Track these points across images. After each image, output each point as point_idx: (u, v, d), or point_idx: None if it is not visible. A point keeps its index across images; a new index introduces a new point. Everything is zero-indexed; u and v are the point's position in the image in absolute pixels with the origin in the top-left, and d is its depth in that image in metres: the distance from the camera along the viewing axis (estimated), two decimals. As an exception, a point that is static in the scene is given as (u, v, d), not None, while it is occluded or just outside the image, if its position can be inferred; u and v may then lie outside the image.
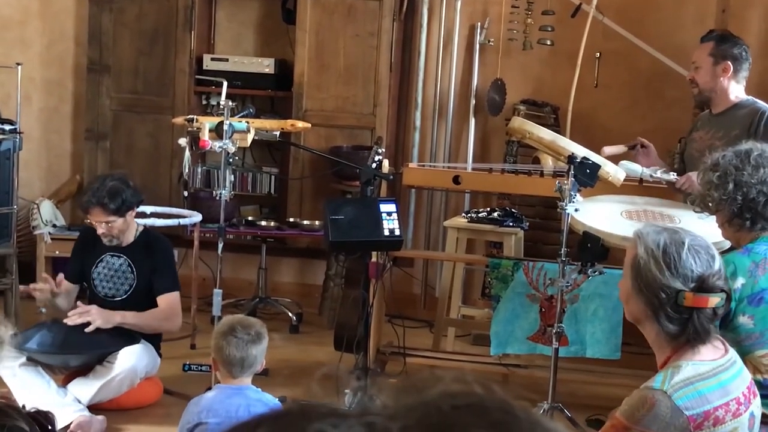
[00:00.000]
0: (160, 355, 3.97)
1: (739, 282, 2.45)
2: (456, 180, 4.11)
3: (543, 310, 3.87)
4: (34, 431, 1.24)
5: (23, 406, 1.84)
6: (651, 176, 3.61)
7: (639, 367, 3.40)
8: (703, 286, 1.85)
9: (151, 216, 4.57)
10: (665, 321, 1.86)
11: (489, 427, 0.54)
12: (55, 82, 5.69)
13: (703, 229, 2.80)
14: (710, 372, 1.86)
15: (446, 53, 5.38)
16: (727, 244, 2.80)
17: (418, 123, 5.44)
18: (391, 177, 3.97)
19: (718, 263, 1.88)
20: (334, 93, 5.33)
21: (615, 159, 3.59)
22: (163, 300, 3.83)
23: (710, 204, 2.57)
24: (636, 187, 3.81)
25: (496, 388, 0.59)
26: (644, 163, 3.69)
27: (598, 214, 3.42)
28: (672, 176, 3.60)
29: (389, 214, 3.60)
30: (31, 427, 1.23)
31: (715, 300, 1.85)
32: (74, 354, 3.70)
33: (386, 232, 3.57)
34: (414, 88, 5.44)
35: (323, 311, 5.22)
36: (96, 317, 3.65)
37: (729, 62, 3.62)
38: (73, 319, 3.63)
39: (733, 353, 1.94)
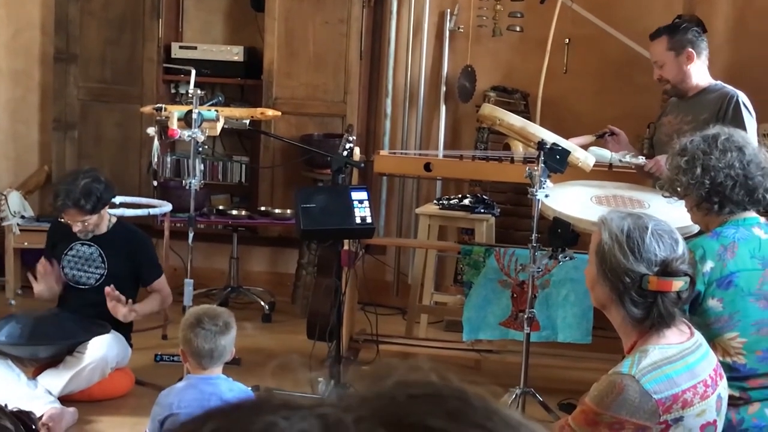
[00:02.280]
0: (130, 346, 3.95)
1: (708, 265, 2.46)
2: (427, 167, 4.11)
3: (515, 295, 3.89)
4: (19, 431, 1.22)
5: (5, 405, 1.81)
6: (620, 161, 3.63)
7: (610, 351, 3.42)
8: (666, 270, 1.86)
9: (121, 206, 4.53)
10: (630, 305, 1.87)
11: (445, 415, 0.53)
12: (22, 72, 5.61)
13: (672, 213, 2.82)
14: (677, 355, 1.87)
15: (416, 40, 5.37)
16: (696, 228, 2.82)
17: (389, 110, 5.43)
18: (363, 165, 3.96)
19: (681, 247, 1.89)
20: (305, 81, 5.30)
21: (584, 147, 3.61)
22: (155, 286, 3.98)
23: (678, 188, 2.58)
24: (606, 172, 3.82)
25: (453, 376, 0.58)
26: (616, 150, 3.71)
27: (569, 200, 3.44)
28: (640, 160, 3.62)
29: (361, 201, 3.59)
30: (16, 426, 1.21)
31: (678, 284, 1.86)
32: (43, 345, 3.66)
33: (358, 220, 3.57)
34: (384, 75, 5.42)
35: (296, 300, 5.20)
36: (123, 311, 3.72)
37: (690, 48, 3.65)
38: (121, 313, 3.70)
39: (698, 336, 1.96)
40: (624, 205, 3.39)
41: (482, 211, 4.48)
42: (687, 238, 2.49)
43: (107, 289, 3.65)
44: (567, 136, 3.58)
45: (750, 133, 3.31)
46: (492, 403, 0.56)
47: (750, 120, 3.52)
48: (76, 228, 3.77)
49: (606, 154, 3.61)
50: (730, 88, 3.66)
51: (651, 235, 1.86)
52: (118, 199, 4.57)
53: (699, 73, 3.68)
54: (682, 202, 2.65)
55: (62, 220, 3.82)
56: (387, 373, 0.57)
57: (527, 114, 4.96)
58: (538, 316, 3.67)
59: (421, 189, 5.45)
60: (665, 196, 2.70)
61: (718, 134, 2.57)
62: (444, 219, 4.57)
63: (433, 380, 0.57)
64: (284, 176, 5.34)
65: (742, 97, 3.58)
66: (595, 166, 3.58)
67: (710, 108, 3.60)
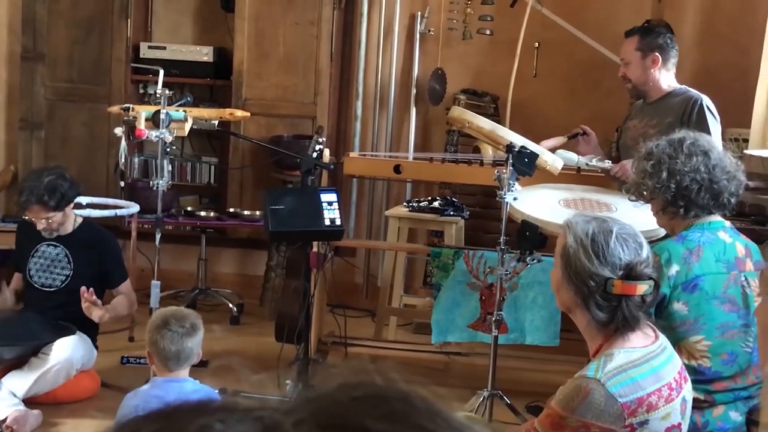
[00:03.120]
0: (96, 348, 3.91)
1: (674, 269, 2.48)
2: (397, 169, 4.11)
3: (483, 298, 3.89)
4: None
5: None
6: (587, 164, 3.64)
7: (577, 354, 3.43)
8: (631, 273, 1.86)
9: (87, 207, 4.48)
10: (595, 309, 1.88)
11: (386, 417, 0.52)
12: (-12, 71, 5.54)
13: (639, 217, 2.84)
14: (642, 358, 1.88)
15: (387, 43, 5.37)
16: (663, 231, 2.84)
17: (359, 112, 5.42)
18: (332, 166, 3.95)
19: (645, 251, 1.90)
20: (274, 82, 5.28)
21: (555, 149, 3.62)
22: (121, 290, 3.93)
23: (645, 192, 2.60)
24: (574, 175, 3.84)
25: (397, 377, 0.57)
26: (585, 151, 3.72)
27: (537, 203, 3.45)
28: (607, 164, 3.63)
29: (330, 203, 3.59)
30: None
31: (643, 287, 1.87)
32: (8, 346, 3.61)
33: (327, 222, 3.56)
34: (355, 77, 5.42)
35: (264, 302, 5.19)
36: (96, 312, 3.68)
37: (657, 53, 3.67)
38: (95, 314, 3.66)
39: (663, 339, 1.97)
40: (591, 208, 3.41)
41: (452, 213, 4.48)
42: (653, 242, 2.52)
43: (82, 289, 3.61)
44: (536, 139, 3.59)
45: (714, 137, 3.34)
46: (436, 405, 0.56)
47: (714, 123, 3.55)
48: (41, 226, 3.73)
49: (573, 157, 3.63)
50: (694, 92, 3.69)
51: (615, 239, 1.87)
52: (84, 200, 4.52)
53: (663, 78, 3.70)
54: (649, 206, 2.66)
55: (26, 218, 3.78)
56: (332, 376, 0.56)
57: (497, 117, 4.98)
58: (506, 318, 3.68)
59: (391, 191, 5.45)
60: (632, 200, 2.71)
61: (683, 138, 2.59)
62: (414, 221, 4.58)
63: (376, 382, 0.57)
64: (253, 177, 5.32)
65: (707, 101, 3.61)
66: (563, 169, 3.60)
67: (675, 112, 3.63)
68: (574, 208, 3.43)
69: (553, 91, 5.20)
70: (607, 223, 1.90)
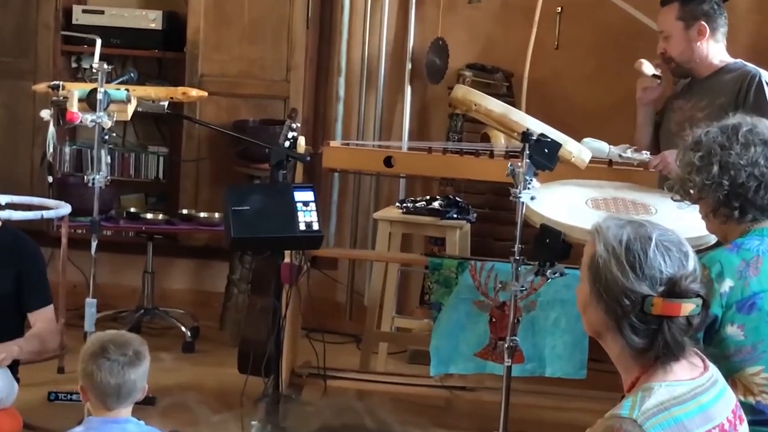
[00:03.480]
0: (17, 381, 3.88)
1: (727, 285, 2.48)
2: (388, 162, 4.11)
3: (493, 320, 3.90)
4: None
5: None
6: (620, 156, 3.65)
7: (608, 389, 3.44)
8: (674, 289, 1.86)
9: (7, 207, 4.46)
10: (630, 333, 1.88)
11: None
12: None
13: (683, 220, 2.84)
14: (688, 394, 1.88)
15: (376, 7, 5.37)
16: (712, 239, 2.85)
17: (341, 92, 5.42)
18: (309, 158, 3.95)
19: (692, 262, 1.90)
20: (238, 54, 5.28)
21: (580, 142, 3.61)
22: (38, 317, 3.71)
23: (691, 190, 2.60)
24: (605, 169, 3.84)
25: (389, 418, 0.57)
26: (653, 99, 3.76)
27: (559, 204, 3.45)
28: (645, 156, 3.64)
29: (306, 204, 3.59)
30: None
31: (688, 306, 1.87)
32: None
33: (302, 227, 3.57)
34: (336, 49, 5.42)
35: (225, 325, 5.18)
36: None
37: (702, 22, 3.68)
38: None
39: (714, 371, 1.97)
40: (626, 210, 3.41)
41: (455, 216, 4.48)
42: (701, 251, 2.52)
43: None
44: (558, 125, 3.60)
45: (776, 121, 3.35)
46: None
47: (776, 105, 3.56)
48: None
49: (603, 147, 3.64)
50: (751, 66, 3.70)
51: (655, 248, 1.87)
52: (3, 199, 4.50)
53: (712, 51, 3.71)
54: (696, 207, 2.67)
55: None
56: (309, 415, 0.56)
57: (510, 98, 4.98)
58: (522, 345, 3.68)
59: (381, 189, 5.45)
60: (675, 200, 2.72)
61: (739, 125, 2.59)
62: (408, 226, 4.58)
63: (363, 424, 0.57)
64: (212, 172, 5.31)
65: (766, 77, 3.62)
66: (591, 162, 3.61)
67: (728, 91, 3.64)
68: (604, 209, 3.43)
69: (578, 66, 5.21)
70: (646, 228, 1.90)
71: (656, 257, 1.87)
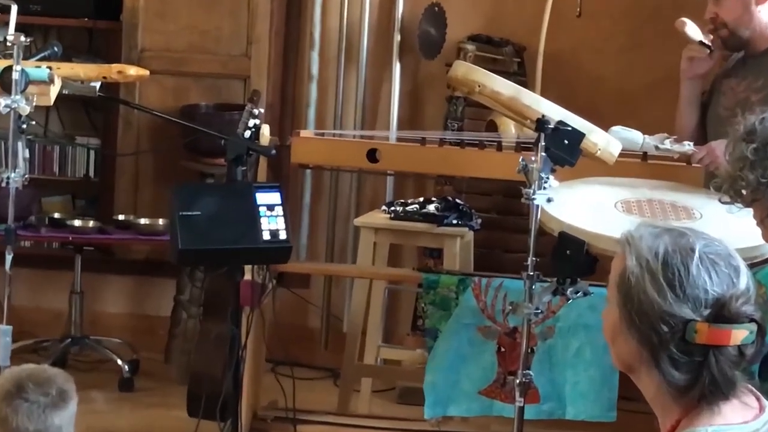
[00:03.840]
0: None
1: (787, 306, 2.49)
2: (372, 156, 4.11)
3: (502, 350, 3.90)
4: None
5: None
6: (657, 148, 3.64)
7: (643, 434, 3.45)
8: (722, 313, 1.87)
9: None
10: (669, 367, 1.88)
11: None
12: None
13: (733, 227, 2.85)
14: (740, 440, 1.88)
15: (357, -35, 5.39)
16: (769, 249, 2.86)
17: (314, 70, 5.42)
18: (274, 151, 3.95)
19: (744, 280, 1.90)
20: (187, 24, 5.27)
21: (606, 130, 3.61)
22: None
23: (744, 190, 2.61)
24: (638, 164, 3.85)
25: None
26: (703, 71, 3.75)
27: (582, 207, 3.46)
28: (687, 147, 3.64)
29: (271, 207, 3.59)
30: None
31: (740, 334, 1.87)
32: None
33: (266, 236, 3.57)
34: (308, 18, 5.42)
35: (171, 357, 5.17)
36: None
37: None
38: None
39: (771, 412, 1.98)
40: (663, 214, 3.42)
41: (455, 222, 4.48)
42: (755, 266, 2.53)
43: None
44: (581, 110, 3.60)
45: None
46: None
47: None
48: None
49: (636, 137, 3.63)
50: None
51: (699, 261, 1.87)
52: None
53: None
54: (749, 211, 2.68)
55: None
56: None
57: (522, 77, 4.98)
58: (537, 380, 3.68)
59: (364, 189, 5.45)
60: (724, 202, 2.72)
61: (802, 110, 2.60)
62: (397, 234, 4.57)
63: None
64: (155, 168, 5.31)
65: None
66: (621, 155, 3.61)
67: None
68: (637, 214, 3.44)
69: (606, 38, 5.21)
70: (687, 238, 1.90)
71: (700, 273, 1.87)
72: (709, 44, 3.83)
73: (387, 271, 4.67)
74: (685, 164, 3.77)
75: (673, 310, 1.87)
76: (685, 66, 3.84)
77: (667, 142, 3.63)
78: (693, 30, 3.81)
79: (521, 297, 3.42)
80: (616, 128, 3.64)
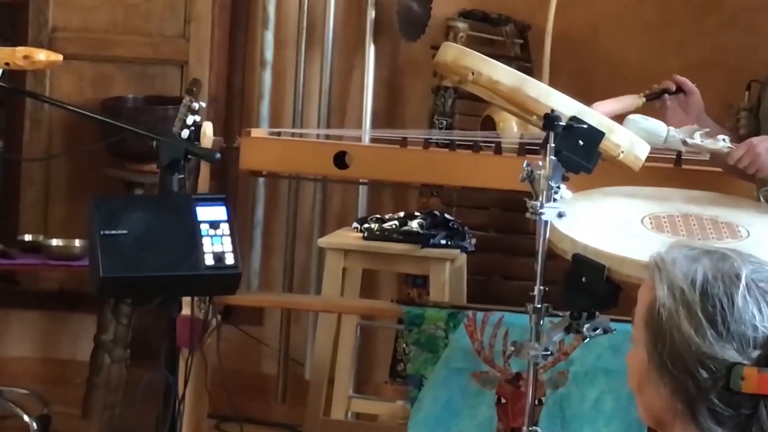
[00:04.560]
0: None
1: None
2: (341, 160, 4.11)
3: (503, 401, 3.90)
4: None
5: None
6: (684, 142, 3.62)
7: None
8: (775, 355, 1.88)
9: None
10: (710, 422, 1.88)
11: None
12: None
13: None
14: None
15: (321, -76, 5.40)
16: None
17: (268, 55, 5.42)
18: (219, 156, 3.94)
19: (801, 314, 1.92)
20: (109, -2, 5.29)
21: (620, 119, 3.61)
22: None
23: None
24: (670, 170, 3.86)
25: None
26: (678, 123, 3.73)
27: (602, 224, 3.46)
28: (722, 144, 3.63)
29: (215, 225, 3.60)
30: None
31: (797, 381, 1.88)
32: None
33: (209, 260, 3.57)
34: (261, -12, 5.44)
35: (91, 411, 5.15)
36: None
37: None
38: None
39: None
40: (702, 233, 3.42)
41: (443, 242, 4.49)
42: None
43: None
44: (595, 101, 3.61)
45: None
46: None
47: None
48: None
49: (659, 128, 3.58)
50: None
51: (746, 291, 1.87)
52: None
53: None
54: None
55: None
56: None
57: (526, 63, 5.00)
58: (547, 438, 3.70)
59: (330, 201, 5.46)
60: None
61: None
62: (372, 257, 4.57)
63: None
64: (70, 177, 5.30)
65: None
66: (649, 158, 3.60)
67: None
68: (670, 232, 3.44)
69: (629, 13, 5.24)
70: (731, 262, 1.90)
71: (748, 306, 1.88)
72: (654, 94, 3.83)
73: (359, 304, 4.67)
74: (722, 168, 3.76)
75: (714, 351, 1.87)
76: (673, 122, 3.79)
77: (697, 135, 3.61)
78: (608, 107, 3.79)
79: (526, 335, 3.41)
80: (633, 117, 3.62)
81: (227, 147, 4.22)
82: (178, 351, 3.80)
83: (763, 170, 3.25)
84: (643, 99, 3.81)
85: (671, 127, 3.60)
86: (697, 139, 3.57)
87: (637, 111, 3.76)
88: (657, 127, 3.59)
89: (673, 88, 3.84)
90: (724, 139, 3.60)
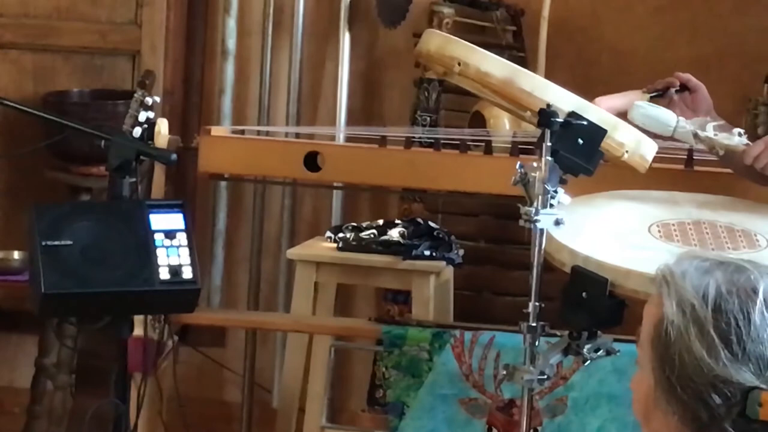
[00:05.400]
0: None
1: None
2: (312, 162, 4.11)
3: (495, 431, 3.91)
4: None
5: None
6: (696, 135, 3.62)
7: None
8: (794, 379, 1.89)
9: None
10: (723, 452, 1.89)
11: None
12: None
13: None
14: None
15: None
16: None
17: (230, 43, 5.42)
18: (175, 156, 3.94)
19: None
20: (52, -21, 5.29)
21: (623, 117, 3.62)
22: None
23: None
24: (681, 172, 3.88)
25: None
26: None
27: (604, 232, 3.47)
28: (736, 140, 3.64)
29: (171, 235, 3.62)
30: None
31: (820, 407, 1.89)
32: None
33: (165, 274, 3.59)
34: (222, -30, 5.44)
35: (32, 444, 5.16)
36: None
37: None
38: None
39: None
40: (716, 241, 3.43)
41: (427, 254, 4.49)
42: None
43: None
44: (593, 96, 3.61)
45: None
46: None
47: None
48: None
49: (667, 117, 3.58)
50: None
51: (764, 307, 1.88)
52: None
53: None
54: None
55: None
56: None
57: (519, 53, 5.00)
58: (544, 473, 3.71)
59: (301, 208, 5.46)
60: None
61: None
62: (348, 271, 4.58)
63: None
64: (7, 181, 5.31)
65: None
66: (657, 158, 3.61)
67: None
68: (680, 241, 3.45)
69: (634, 1, 5.26)
70: (748, 275, 1.91)
71: (766, 323, 1.89)
72: (659, 91, 3.83)
73: (333, 323, 4.67)
74: (734, 170, 3.77)
75: (728, 374, 1.88)
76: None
77: (710, 127, 3.60)
78: (609, 103, 3.79)
79: (519, 357, 3.42)
80: (641, 103, 3.63)
81: (184, 147, 4.23)
82: (130, 376, 3.80)
83: None
84: (647, 95, 3.81)
85: (681, 117, 3.59)
86: (710, 131, 3.56)
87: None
88: (666, 115, 3.59)
89: (677, 84, 3.85)
90: (740, 134, 3.59)
